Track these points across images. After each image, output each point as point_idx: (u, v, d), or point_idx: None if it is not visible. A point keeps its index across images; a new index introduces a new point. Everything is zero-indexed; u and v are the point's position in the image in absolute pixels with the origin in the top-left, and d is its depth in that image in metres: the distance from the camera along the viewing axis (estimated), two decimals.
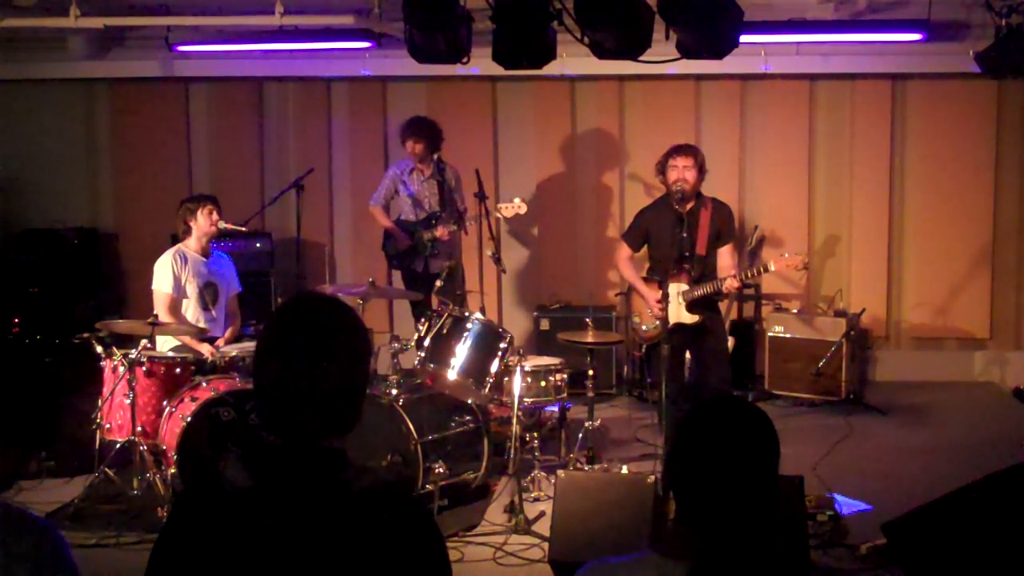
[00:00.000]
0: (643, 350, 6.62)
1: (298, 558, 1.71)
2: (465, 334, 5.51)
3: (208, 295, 6.21)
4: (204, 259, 6.23)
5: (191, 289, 6.12)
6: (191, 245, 6.20)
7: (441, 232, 7.17)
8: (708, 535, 1.85)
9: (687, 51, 5.15)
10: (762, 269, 6.09)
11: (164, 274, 6.05)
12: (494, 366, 5.51)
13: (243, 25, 7.60)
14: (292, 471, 1.77)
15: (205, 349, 5.91)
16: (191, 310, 6.12)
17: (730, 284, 5.83)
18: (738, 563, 1.84)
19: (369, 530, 1.73)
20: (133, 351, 5.44)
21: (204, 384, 5.45)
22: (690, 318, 5.92)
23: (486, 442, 5.65)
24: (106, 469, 5.40)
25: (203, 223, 6.18)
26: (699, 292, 5.89)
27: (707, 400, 2.02)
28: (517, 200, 7.01)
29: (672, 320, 5.73)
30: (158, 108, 8.75)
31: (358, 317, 1.96)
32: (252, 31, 7.85)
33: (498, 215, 7.02)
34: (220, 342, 6.10)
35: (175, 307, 6.04)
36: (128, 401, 5.37)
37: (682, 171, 5.87)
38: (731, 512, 1.85)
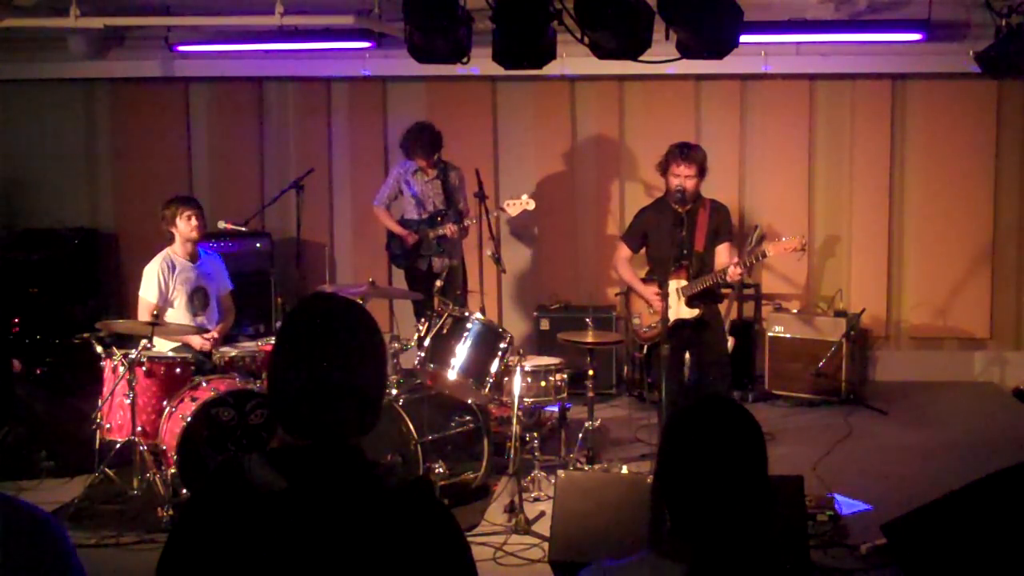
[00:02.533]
0: (643, 350, 6.60)
1: (338, 557, 1.71)
2: (465, 334, 5.50)
3: (197, 300, 6.13)
4: (192, 264, 6.12)
5: (179, 297, 6.03)
6: (178, 251, 6.10)
7: (450, 230, 7.16)
8: (703, 542, 1.84)
9: (687, 51, 5.16)
10: (760, 256, 6.08)
11: (150, 282, 5.97)
12: (494, 366, 5.50)
13: (243, 25, 7.60)
14: (328, 471, 1.77)
15: (196, 341, 5.89)
16: (180, 317, 6.02)
17: (733, 272, 5.82)
18: (735, 565, 1.84)
19: (403, 527, 1.75)
20: (133, 351, 5.43)
21: (204, 384, 5.44)
22: (690, 312, 5.92)
23: (486, 442, 5.65)
24: (106, 469, 5.40)
25: (183, 228, 6.05)
26: (699, 286, 5.88)
27: (686, 408, 1.99)
28: (525, 197, 7.01)
29: (672, 317, 5.72)
30: (158, 108, 8.75)
31: (371, 315, 1.96)
32: (252, 31, 7.85)
33: (504, 212, 7.02)
34: (213, 333, 6.04)
35: (157, 315, 5.86)
36: (128, 401, 5.36)
37: (683, 180, 5.88)
38: (723, 517, 1.84)
